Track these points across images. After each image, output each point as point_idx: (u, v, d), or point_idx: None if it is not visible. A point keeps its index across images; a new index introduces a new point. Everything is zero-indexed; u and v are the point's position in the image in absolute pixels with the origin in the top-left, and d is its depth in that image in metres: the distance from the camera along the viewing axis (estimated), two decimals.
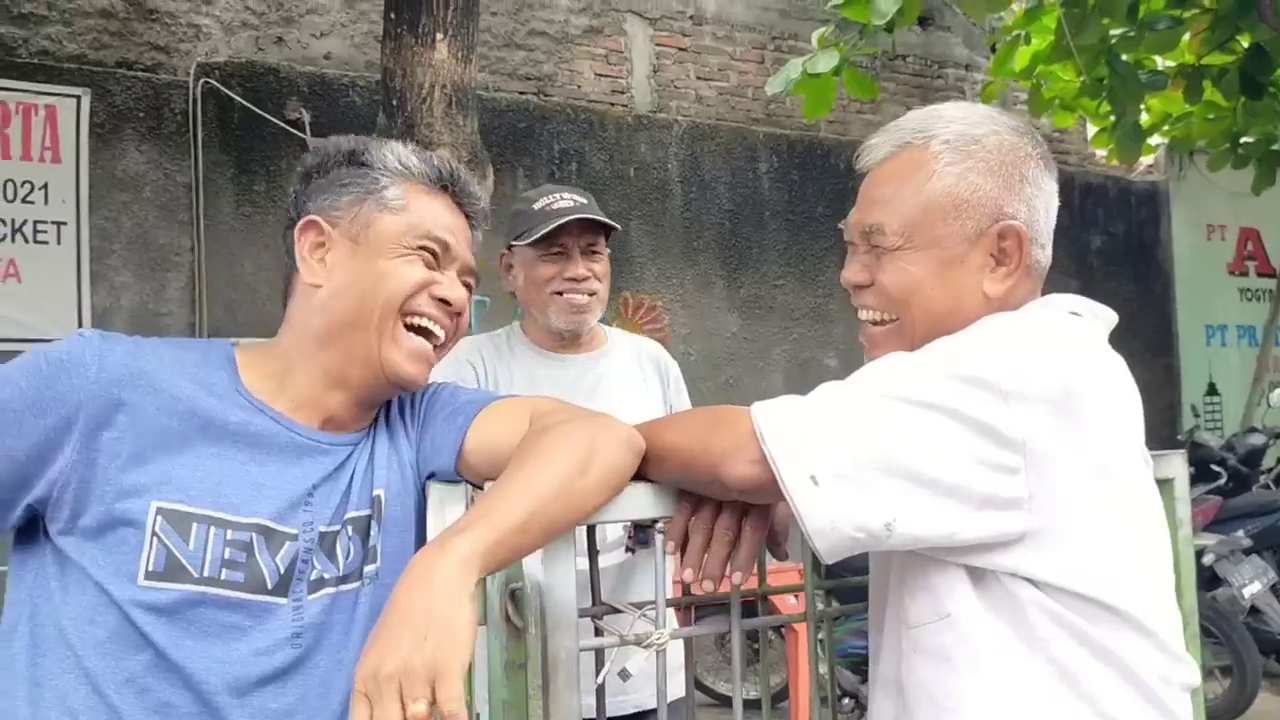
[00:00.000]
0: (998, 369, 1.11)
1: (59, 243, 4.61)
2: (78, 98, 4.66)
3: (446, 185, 1.32)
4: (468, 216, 1.35)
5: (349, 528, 1.23)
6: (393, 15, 2.89)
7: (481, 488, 1.27)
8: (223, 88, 4.86)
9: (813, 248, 6.60)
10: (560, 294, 2.21)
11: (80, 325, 4.63)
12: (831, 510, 1.10)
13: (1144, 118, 5.71)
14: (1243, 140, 5.88)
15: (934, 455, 1.10)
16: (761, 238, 6.42)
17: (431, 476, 1.31)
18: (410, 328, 1.26)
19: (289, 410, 1.24)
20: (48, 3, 4.74)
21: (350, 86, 5.22)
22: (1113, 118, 5.48)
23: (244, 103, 4.87)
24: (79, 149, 4.64)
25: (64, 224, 4.63)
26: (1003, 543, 1.12)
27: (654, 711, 1.93)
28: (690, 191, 6.19)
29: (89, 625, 1.11)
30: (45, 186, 4.60)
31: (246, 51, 5.08)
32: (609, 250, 2.31)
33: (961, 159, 1.27)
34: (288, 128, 4.88)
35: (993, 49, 6.48)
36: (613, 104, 6.11)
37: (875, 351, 1.31)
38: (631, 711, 2.09)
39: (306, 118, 4.87)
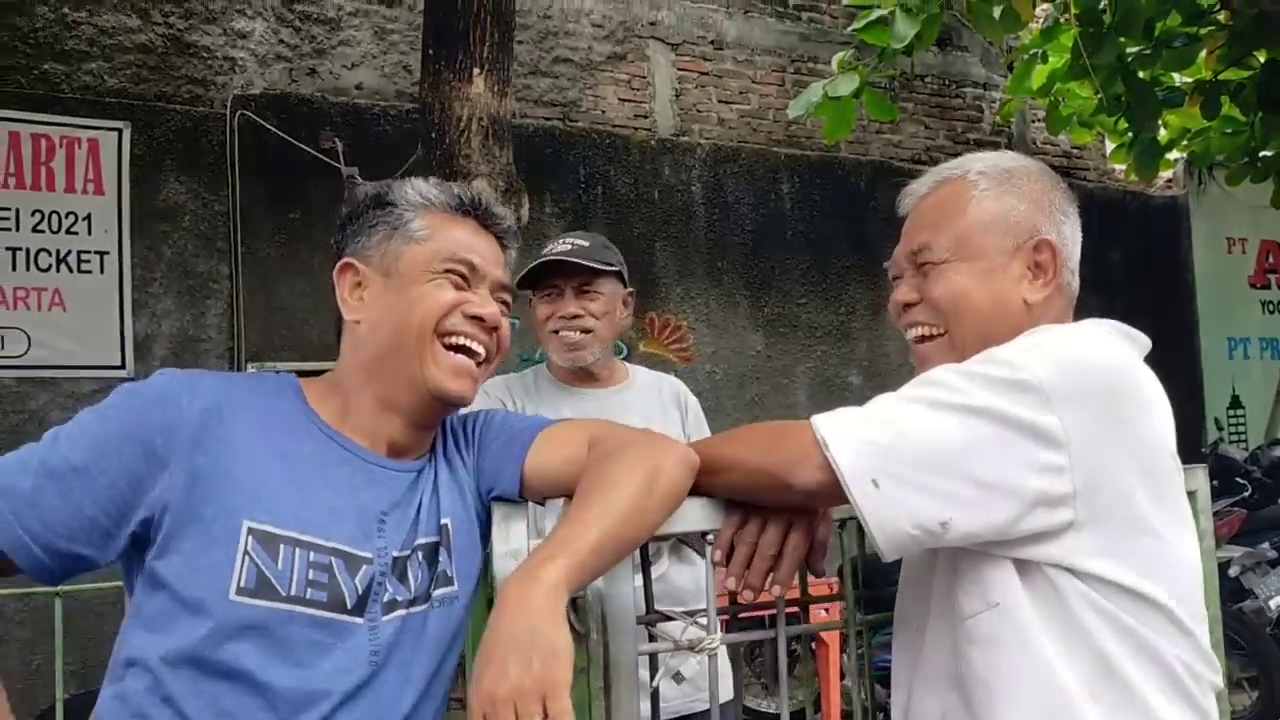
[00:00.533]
0: (1042, 373, 1.21)
1: (102, 272, 4.75)
2: (119, 131, 4.81)
3: (469, 210, 1.38)
4: (498, 237, 1.41)
5: (419, 553, 1.31)
6: (430, 51, 3.00)
7: (543, 504, 1.35)
8: (258, 119, 5.00)
9: (834, 266, 6.68)
10: (556, 332, 2.35)
11: (123, 352, 4.76)
12: (892, 511, 1.21)
13: (1162, 133, 5.76)
14: (1261, 154, 5.91)
15: (984, 458, 1.20)
16: (784, 257, 6.50)
17: (495, 498, 1.38)
18: (449, 347, 1.33)
19: (356, 438, 1.33)
20: (89, 39, 4.89)
21: (382, 115, 5.35)
22: (1130, 134, 5.53)
23: (279, 133, 5.00)
24: (120, 180, 4.79)
25: (106, 253, 4.77)
26: (1049, 536, 1.22)
27: (699, 714, 2.02)
28: (713, 213, 6.28)
29: (175, 642, 1.18)
30: (88, 217, 4.74)
31: (280, 83, 5.22)
32: (624, 287, 2.43)
33: (997, 184, 1.41)
34: (321, 156, 5.00)
35: (1010, 68, 6.56)
36: (636, 128, 6.22)
37: (925, 368, 1.40)
38: (681, 715, 2.18)
39: (340, 146, 4.98)
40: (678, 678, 1.44)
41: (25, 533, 1.17)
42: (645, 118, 6.30)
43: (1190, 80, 5.48)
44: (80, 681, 3.78)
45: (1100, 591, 1.22)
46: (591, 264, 2.33)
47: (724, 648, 1.65)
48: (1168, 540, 1.26)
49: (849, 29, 5.24)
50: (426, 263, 1.33)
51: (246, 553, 1.19)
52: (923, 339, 1.45)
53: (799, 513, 1.34)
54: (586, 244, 2.39)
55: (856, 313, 6.75)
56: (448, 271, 1.33)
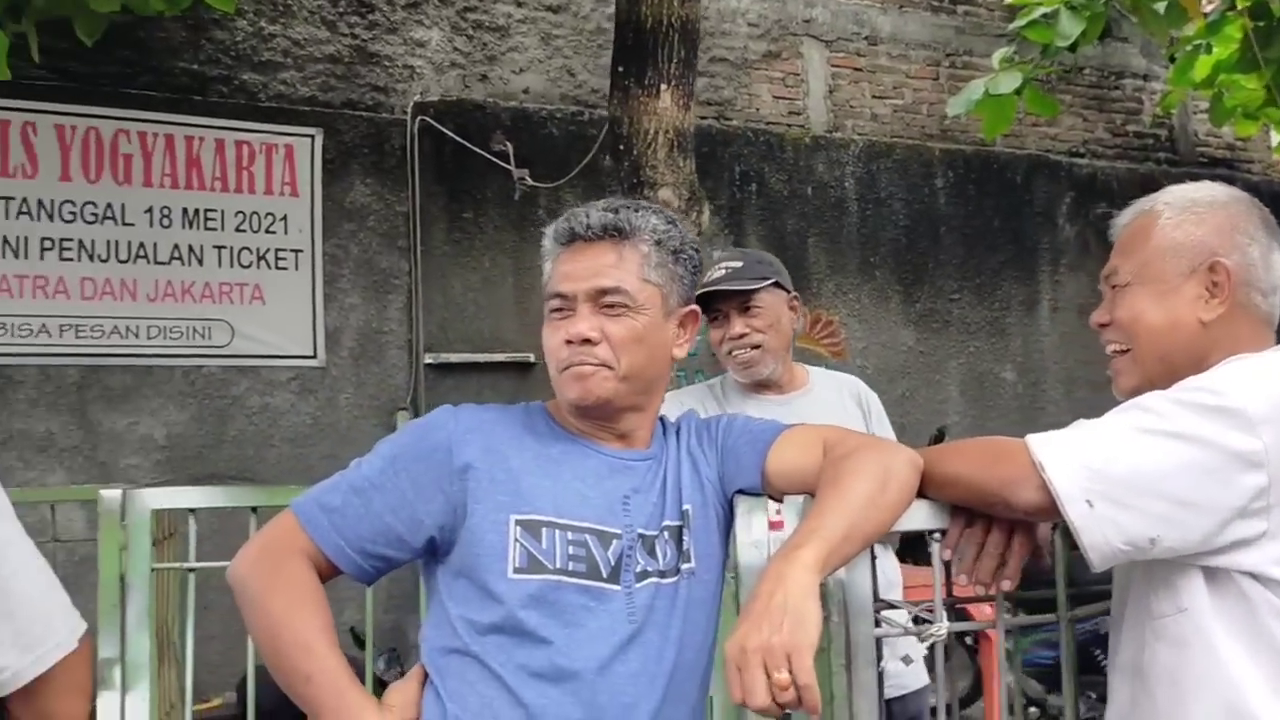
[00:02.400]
0: (1243, 398, 1.32)
1: (297, 269, 5.12)
2: (312, 137, 5.17)
3: (571, 239, 1.53)
4: (610, 237, 1.52)
5: (665, 533, 1.51)
6: (620, 69, 3.19)
7: (780, 500, 1.54)
8: (436, 124, 5.29)
9: (989, 261, 6.66)
10: (730, 354, 2.54)
11: (314, 343, 5.13)
12: (1105, 529, 1.34)
13: None
14: None
15: (1190, 480, 1.32)
16: (937, 252, 6.52)
17: (739, 492, 1.57)
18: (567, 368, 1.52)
19: (590, 437, 1.55)
20: (283, 50, 5.26)
21: (548, 119, 5.59)
22: None
23: (455, 137, 5.29)
24: (313, 183, 5.15)
25: (300, 251, 5.14)
26: (1241, 546, 1.33)
27: (913, 693, 2.18)
28: (866, 208, 6.35)
29: (477, 617, 1.43)
30: (285, 218, 5.12)
31: (455, 90, 5.51)
32: (786, 293, 2.57)
33: (1179, 214, 1.55)
34: (494, 159, 5.27)
35: (1171, 59, 6.42)
36: (790, 125, 6.32)
37: (1119, 379, 1.58)
38: (897, 695, 2.35)
39: (510, 149, 5.25)
40: (907, 659, 1.60)
41: (342, 539, 1.43)
42: (799, 114, 6.39)
43: None
44: None
45: None
46: (745, 286, 2.49)
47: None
48: None
49: (1011, 26, 5.24)
50: (546, 309, 1.55)
51: (516, 540, 1.43)
52: (1114, 354, 1.59)
53: None
54: (740, 264, 2.55)
55: (1011, 308, 6.71)
56: (552, 312, 1.53)
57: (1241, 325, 1.50)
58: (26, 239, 4.76)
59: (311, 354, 5.13)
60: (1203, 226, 1.52)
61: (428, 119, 5.28)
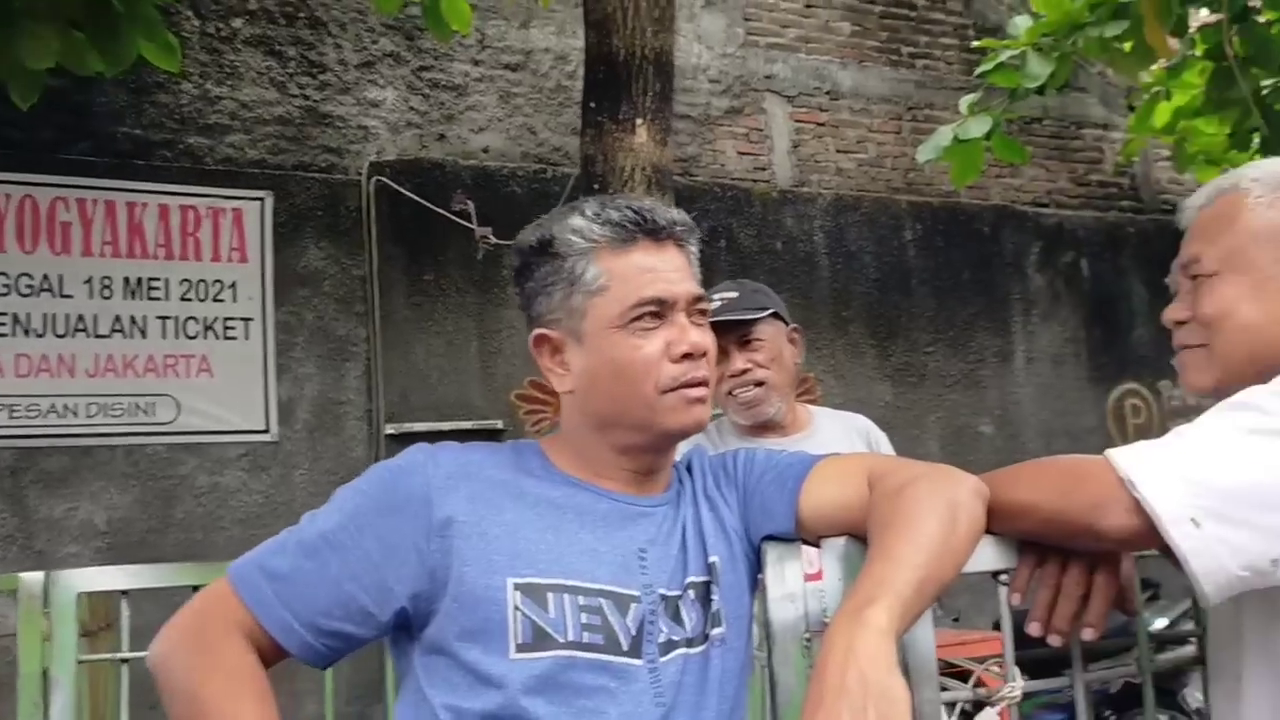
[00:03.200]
0: None
1: (247, 338, 4.85)
2: (261, 200, 4.94)
3: (637, 229, 1.27)
4: (675, 241, 1.31)
5: (690, 592, 1.27)
6: (593, 104, 3.03)
7: (818, 545, 1.30)
8: (393, 184, 5.09)
9: (961, 313, 6.55)
10: (731, 394, 2.32)
11: (267, 416, 4.84)
12: (1217, 552, 1.12)
13: None
14: None
15: None
16: (910, 305, 6.41)
17: (767, 537, 1.32)
18: (672, 391, 1.26)
19: (599, 482, 1.29)
20: (230, 113, 5.05)
21: (510, 177, 5.42)
22: None
23: (413, 197, 5.09)
24: (263, 248, 4.91)
25: (250, 320, 4.87)
26: None
27: None
28: (836, 262, 6.22)
29: (467, 704, 1.16)
30: (234, 285, 4.86)
31: (412, 149, 5.33)
32: (785, 324, 2.39)
33: (1272, 192, 1.34)
34: (455, 218, 5.07)
35: (1130, 108, 6.43)
36: (756, 180, 6.21)
37: (1192, 375, 1.37)
38: None
39: (472, 208, 5.05)
40: None
41: (289, 612, 1.16)
42: (764, 170, 6.29)
43: None
44: None
45: None
46: (744, 317, 2.28)
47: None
48: None
49: (977, 71, 5.18)
50: (616, 318, 1.25)
51: (517, 608, 1.17)
52: (1184, 348, 1.38)
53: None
54: (735, 294, 2.36)
55: (985, 360, 6.59)
56: (638, 319, 1.25)
57: None
58: None
59: (263, 428, 4.83)
60: None
61: (384, 179, 5.08)
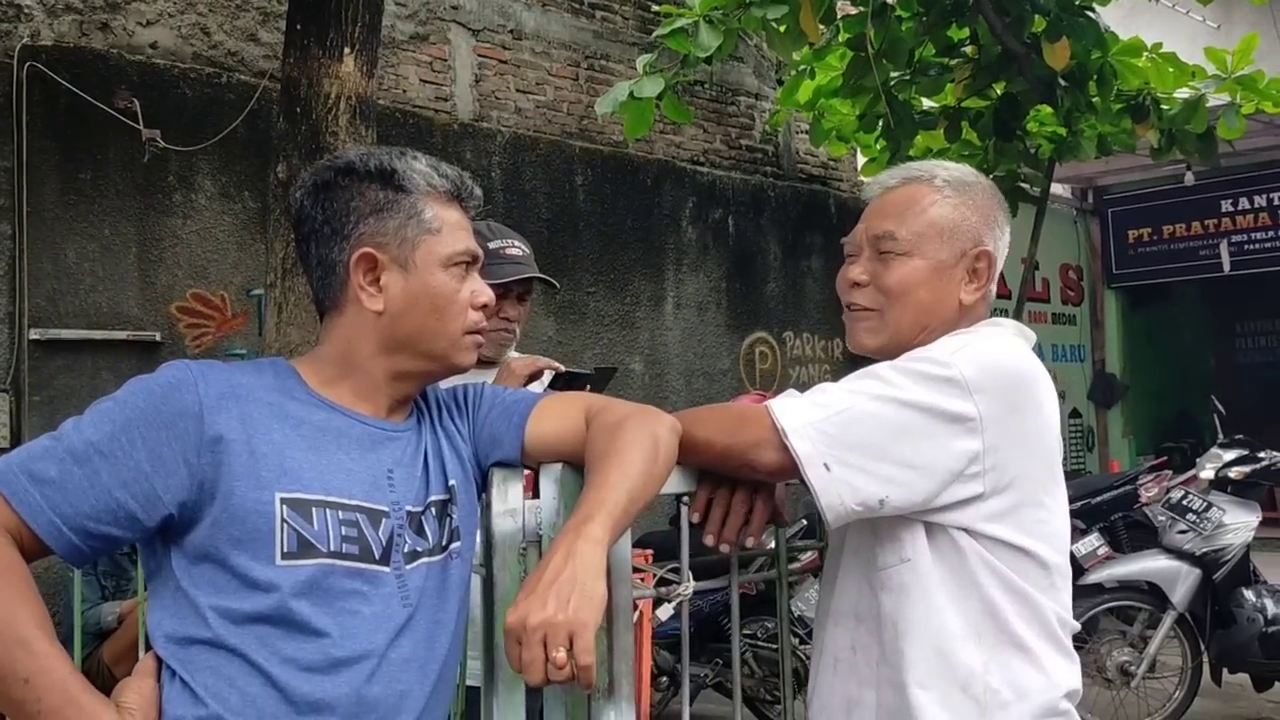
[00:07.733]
0: (967, 371, 1.48)
1: None
2: None
3: (457, 194, 1.47)
4: (470, 215, 1.51)
5: (431, 509, 1.45)
6: (298, 26, 3.01)
7: (537, 470, 1.54)
8: (49, 71, 4.71)
9: (622, 257, 6.99)
10: (493, 332, 2.51)
11: None
12: (840, 490, 1.46)
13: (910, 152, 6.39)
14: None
15: (916, 444, 1.46)
16: (576, 247, 6.75)
17: (496, 464, 1.54)
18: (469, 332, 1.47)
19: (351, 404, 1.44)
20: None
21: (181, 78, 5.15)
22: (886, 150, 6.06)
23: (72, 88, 4.73)
24: None
25: None
26: (960, 505, 1.49)
27: None
28: (511, 200, 6.43)
29: (235, 605, 1.28)
30: None
31: (71, 36, 4.93)
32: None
33: (958, 194, 1.63)
34: (118, 115, 4.78)
35: (780, 82, 7.06)
36: (437, 111, 6.27)
37: (864, 337, 1.65)
38: None
39: (138, 106, 4.78)
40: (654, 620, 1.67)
41: (58, 517, 1.23)
42: (446, 100, 6.36)
43: (937, 106, 6.09)
44: None
45: (994, 551, 1.50)
46: (544, 278, 2.57)
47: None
48: (1053, 511, 1.56)
49: (654, 34, 5.54)
50: (443, 258, 1.42)
51: (284, 520, 1.30)
52: (858, 310, 1.66)
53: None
54: (525, 251, 2.59)
55: (640, 303, 7.09)
56: (458, 265, 1.44)
57: (981, 307, 1.65)
58: None
59: None
60: (975, 212, 1.62)
61: (39, 65, 4.68)
